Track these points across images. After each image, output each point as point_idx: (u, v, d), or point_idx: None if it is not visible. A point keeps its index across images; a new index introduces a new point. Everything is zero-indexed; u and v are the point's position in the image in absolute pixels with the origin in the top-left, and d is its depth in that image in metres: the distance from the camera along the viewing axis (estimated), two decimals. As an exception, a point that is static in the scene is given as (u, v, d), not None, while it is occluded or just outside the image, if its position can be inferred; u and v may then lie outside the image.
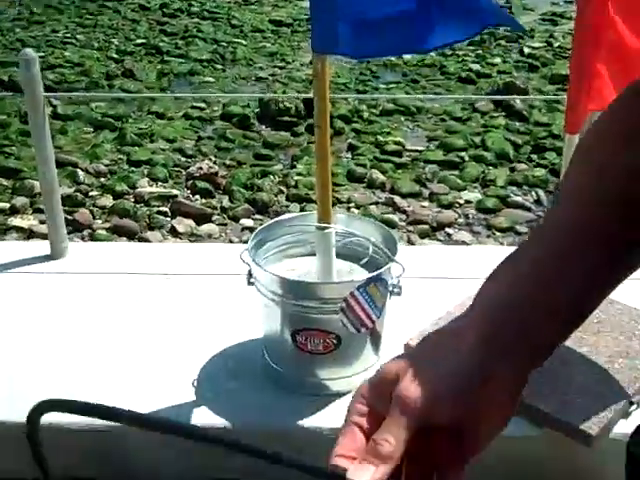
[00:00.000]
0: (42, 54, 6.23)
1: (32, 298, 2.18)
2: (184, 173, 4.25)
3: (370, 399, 0.57)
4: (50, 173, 2.31)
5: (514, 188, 4.10)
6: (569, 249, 0.59)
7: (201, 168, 4.17)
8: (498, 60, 6.33)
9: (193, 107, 5.22)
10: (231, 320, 2.03)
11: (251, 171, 4.28)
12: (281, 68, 6.29)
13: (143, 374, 1.85)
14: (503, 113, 5.04)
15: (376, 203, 3.94)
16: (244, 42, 6.96)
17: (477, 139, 4.65)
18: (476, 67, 6.11)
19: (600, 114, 0.66)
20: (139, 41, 6.93)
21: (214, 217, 3.81)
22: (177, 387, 1.80)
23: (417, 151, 4.56)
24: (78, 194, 3.97)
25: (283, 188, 4.09)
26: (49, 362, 1.90)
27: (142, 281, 2.25)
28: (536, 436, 1.66)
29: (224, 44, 6.87)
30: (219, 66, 6.34)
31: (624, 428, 1.61)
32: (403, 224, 3.73)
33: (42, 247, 2.42)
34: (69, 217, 3.56)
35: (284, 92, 5.52)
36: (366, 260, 1.81)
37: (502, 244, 3.57)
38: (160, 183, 4.17)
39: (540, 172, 4.23)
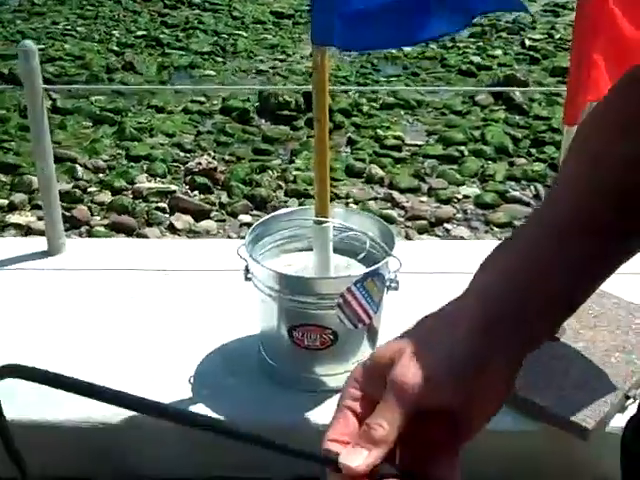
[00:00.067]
0: (42, 46, 6.22)
1: (29, 294, 2.18)
2: (183, 168, 4.25)
3: (363, 383, 0.57)
4: (48, 168, 2.31)
5: (513, 183, 4.09)
6: (565, 236, 0.59)
7: (200, 163, 4.17)
8: (499, 52, 6.31)
9: (193, 101, 5.22)
10: (228, 316, 2.03)
11: (250, 166, 4.28)
12: (282, 61, 6.28)
13: (140, 369, 1.85)
14: (503, 106, 5.03)
15: (375, 199, 3.94)
16: (245, 34, 6.95)
17: (477, 133, 4.64)
18: (477, 59, 6.10)
19: (596, 104, 0.66)
20: (140, 33, 6.92)
21: (212, 213, 3.81)
22: (174, 382, 1.80)
23: (416, 145, 4.55)
24: (76, 190, 3.97)
25: (282, 183, 4.09)
26: (46, 358, 1.89)
27: (140, 277, 2.25)
28: (532, 430, 1.66)
29: (225, 36, 6.86)
30: (219, 59, 6.33)
31: (621, 422, 1.61)
32: (401, 220, 3.73)
33: (39, 243, 2.42)
34: (67, 214, 3.55)
35: (284, 85, 5.51)
36: (363, 255, 1.81)
37: (500, 239, 3.56)
38: (159, 178, 4.16)
39: (539, 167, 4.22)
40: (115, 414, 1.69)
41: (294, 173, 4.17)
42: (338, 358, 1.75)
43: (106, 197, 3.96)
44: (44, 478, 1.70)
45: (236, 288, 1.85)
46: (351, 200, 3.91)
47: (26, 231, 3.60)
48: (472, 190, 4.02)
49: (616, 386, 1.66)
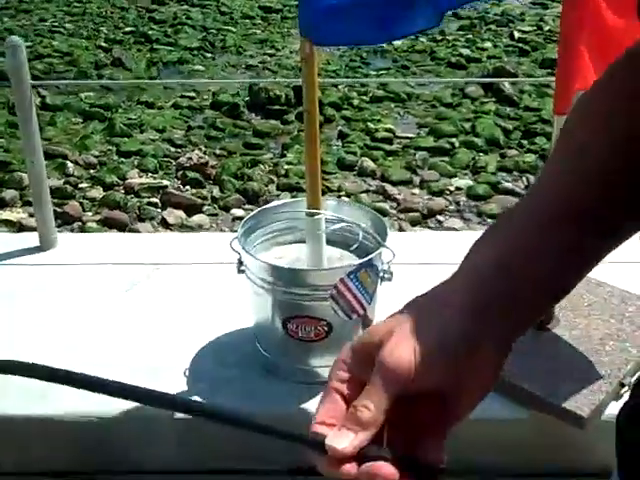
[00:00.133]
0: (30, 44, 6.19)
1: (22, 290, 2.17)
2: (174, 163, 4.24)
3: (351, 365, 0.57)
4: (38, 163, 2.30)
5: (504, 174, 4.10)
6: (552, 225, 0.59)
7: (191, 158, 4.16)
8: (488, 44, 6.32)
9: (183, 96, 5.20)
10: (222, 309, 2.02)
11: (241, 160, 4.27)
12: (271, 55, 6.27)
13: (134, 363, 1.85)
14: (493, 98, 5.03)
15: (367, 191, 3.94)
16: (233, 29, 6.93)
17: (467, 125, 4.65)
18: (466, 52, 6.10)
19: (582, 94, 0.66)
20: (128, 29, 6.90)
21: (205, 207, 3.80)
22: (168, 375, 1.80)
23: (408, 138, 4.55)
24: (67, 186, 3.96)
25: (273, 177, 4.08)
26: (39, 353, 1.89)
27: (132, 271, 2.24)
28: (526, 419, 1.66)
29: (213, 31, 6.84)
30: (208, 54, 6.31)
31: (616, 410, 1.61)
32: (394, 212, 3.73)
33: (31, 239, 2.40)
34: (59, 210, 3.54)
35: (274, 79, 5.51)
36: (356, 246, 1.81)
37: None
38: (150, 174, 4.15)
39: (530, 158, 4.23)
40: (113, 408, 1.69)
41: (286, 167, 4.16)
42: (333, 349, 1.75)
43: (98, 193, 3.95)
44: (42, 472, 1.70)
45: (229, 281, 1.85)
46: (343, 193, 3.91)
47: (18, 228, 3.59)
48: (464, 182, 4.02)
49: (611, 374, 1.67)
